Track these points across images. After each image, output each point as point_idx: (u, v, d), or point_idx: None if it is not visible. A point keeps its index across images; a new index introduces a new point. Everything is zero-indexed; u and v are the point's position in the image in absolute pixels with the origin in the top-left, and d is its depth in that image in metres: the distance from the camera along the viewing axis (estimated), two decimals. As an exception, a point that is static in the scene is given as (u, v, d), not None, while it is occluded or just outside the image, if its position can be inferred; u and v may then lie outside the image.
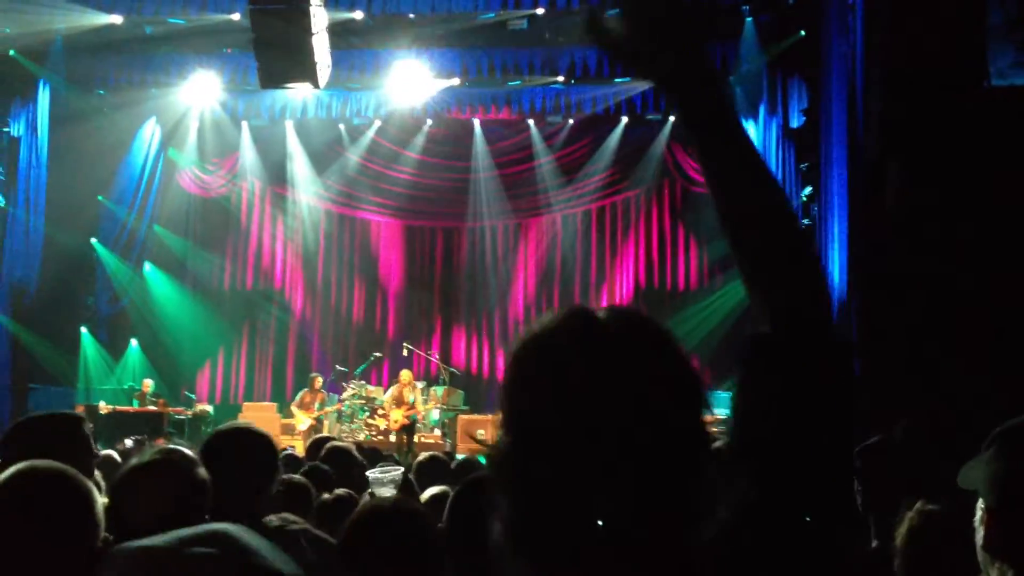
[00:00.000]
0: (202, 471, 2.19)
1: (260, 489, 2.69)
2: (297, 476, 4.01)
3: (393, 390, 13.29)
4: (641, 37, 1.23)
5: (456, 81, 14.37)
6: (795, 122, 12.54)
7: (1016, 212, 7.13)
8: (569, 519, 1.02)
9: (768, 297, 1.20)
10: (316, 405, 13.33)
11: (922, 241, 7.67)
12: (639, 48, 1.24)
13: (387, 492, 3.65)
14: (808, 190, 12.42)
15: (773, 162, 12.62)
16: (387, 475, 3.84)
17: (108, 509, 2.04)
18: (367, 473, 4.07)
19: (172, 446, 2.25)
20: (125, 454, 6.09)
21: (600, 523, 1.01)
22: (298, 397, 13.55)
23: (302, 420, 13.06)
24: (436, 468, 4.66)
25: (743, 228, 1.22)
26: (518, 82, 14.48)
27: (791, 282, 1.20)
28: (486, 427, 13.22)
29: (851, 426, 1.22)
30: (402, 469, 4.26)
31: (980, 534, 1.60)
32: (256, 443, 2.76)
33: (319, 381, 13.62)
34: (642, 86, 14.21)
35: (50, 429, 2.69)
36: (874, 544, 2.95)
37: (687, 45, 1.22)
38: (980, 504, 1.62)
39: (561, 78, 14.21)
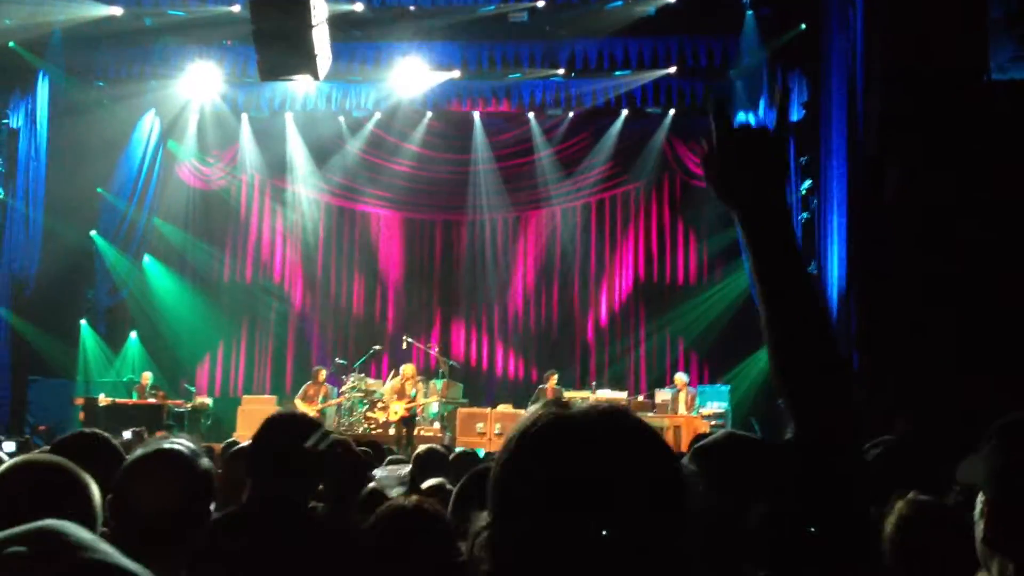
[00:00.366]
0: (205, 462, 2.19)
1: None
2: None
3: (395, 382, 13.22)
4: (727, 168, 1.39)
5: (456, 74, 14.36)
6: (795, 115, 12.53)
7: (1017, 206, 7.13)
8: None
9: (805, 416, 1.37)
10: (319, 398, 13.30)
11: (921, 235, 7.68)
12: (724, 177, 1.39)
13: (396, 491, 3.66)
14: (808, 183, 12.42)
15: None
16: (396, 473, 3.85)
17: (112, 501, 2.05)
18: (375, 471, 4.06)
19: (174, 438, 2.25)
20: (125, 446, 6.09)
21: None
22: (302, 390, 13.50)
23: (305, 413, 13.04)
24: (434, 460, 4.66)
25: (793, 364, 1.38)
26: (518, 75, 14.46)
27: (830, 416, 1.37)
28: (485, 420, 13.25)
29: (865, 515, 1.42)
30: (410, 466, 4.25)
31: (980, 528, 1.60)
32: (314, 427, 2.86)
33: (323, 374, 13.58)
34: (643, 79, 14.20)
35: (94, 451, 2.67)
36: None
37: (765, 183, 1.37)
38: (980, 498, 1.62)
39: (561, 71, 14.20)
